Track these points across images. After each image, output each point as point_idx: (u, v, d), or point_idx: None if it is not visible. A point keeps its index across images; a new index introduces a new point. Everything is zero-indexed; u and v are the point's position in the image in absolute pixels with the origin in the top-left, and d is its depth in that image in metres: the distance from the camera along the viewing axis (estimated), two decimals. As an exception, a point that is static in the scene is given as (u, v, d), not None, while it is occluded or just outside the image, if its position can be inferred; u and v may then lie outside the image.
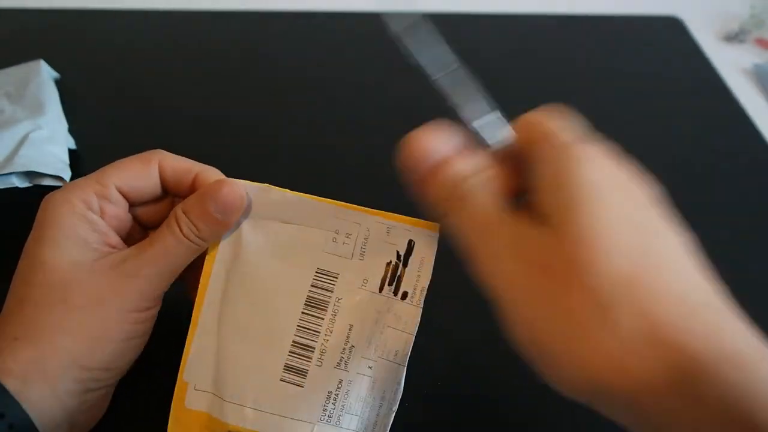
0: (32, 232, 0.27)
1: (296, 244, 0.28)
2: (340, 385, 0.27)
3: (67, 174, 0.40)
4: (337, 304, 0.28)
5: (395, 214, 0.28)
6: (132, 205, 0.29)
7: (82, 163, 0.44)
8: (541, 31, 0.61)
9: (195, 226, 0.27)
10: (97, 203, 0.27)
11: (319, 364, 0.27)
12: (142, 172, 0.28)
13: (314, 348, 0.27)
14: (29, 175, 0.39)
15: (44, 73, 0.48)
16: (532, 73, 0.55)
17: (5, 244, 0.39)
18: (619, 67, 0.56)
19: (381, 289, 0.27)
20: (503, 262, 0.21)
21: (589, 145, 0.24)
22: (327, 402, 0.27)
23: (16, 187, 0.39)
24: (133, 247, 0.27)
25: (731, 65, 0.57)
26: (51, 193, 0.28)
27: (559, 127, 0.25)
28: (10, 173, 0.38)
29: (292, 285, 0.28)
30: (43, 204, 0.27)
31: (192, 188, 0.29)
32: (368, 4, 0.63)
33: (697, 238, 0.40)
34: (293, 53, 0.56)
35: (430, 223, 0.27)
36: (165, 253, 0.27)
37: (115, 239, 0.28)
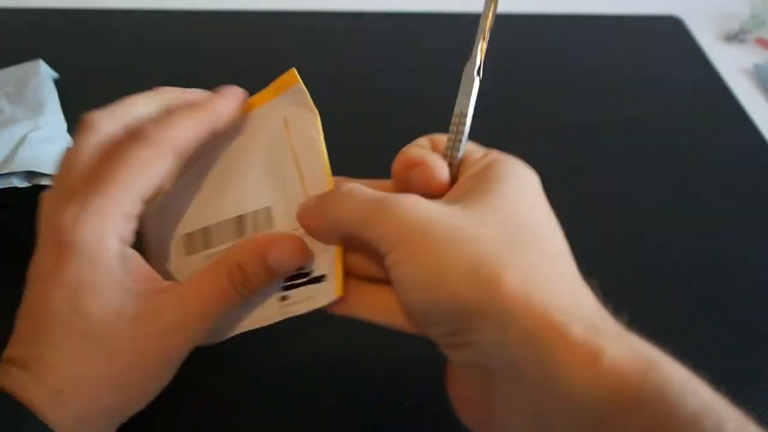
0: (60, 264, 0.23)
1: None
2: None
3: (66, 174, 0.40)
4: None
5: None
6: None
7: (81, 163, 0.44)
8: (541, 31, 0.61)
9: (250, 281, 0.25)
10: (129, 233, 0.25)
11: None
12: (162, 169, 0.25)
13: None
14: (29, 175, 0.39)
15: (43, 73, 0.47)
16: (532, 72, 0.55)
17: (5, 244, 0.39)
18: (619, 67, 0.56)
19: None
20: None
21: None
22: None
23: (16, 187, 0.39)
24: (173, 292, 0.25)
25: (732, 65, 0.57)
26: (75, 223, 0.23)
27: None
28: (10, 173, 0.38)
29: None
30: (70, 237, 0.23)
31: None
32: (368, 4, 0.63)
33: (697, 237, 0.40)
34: (294, 53, 0.56)
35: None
36: (214, 308, 0.25)
37: (145, 267, 0.26)
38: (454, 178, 0.25)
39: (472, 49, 0.26)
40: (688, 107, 0.52)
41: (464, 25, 0.61)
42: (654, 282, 0.37)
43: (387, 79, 0.53)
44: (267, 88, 0.29)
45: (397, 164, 0.26)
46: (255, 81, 0.53)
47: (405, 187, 0.25)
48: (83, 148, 0.26)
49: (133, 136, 0.25)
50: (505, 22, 0.63)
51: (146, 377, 0.24)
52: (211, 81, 0.53)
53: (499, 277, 0.20)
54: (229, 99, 0.28)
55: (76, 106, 0.48)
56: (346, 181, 0.26)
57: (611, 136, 0.48)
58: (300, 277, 0.27)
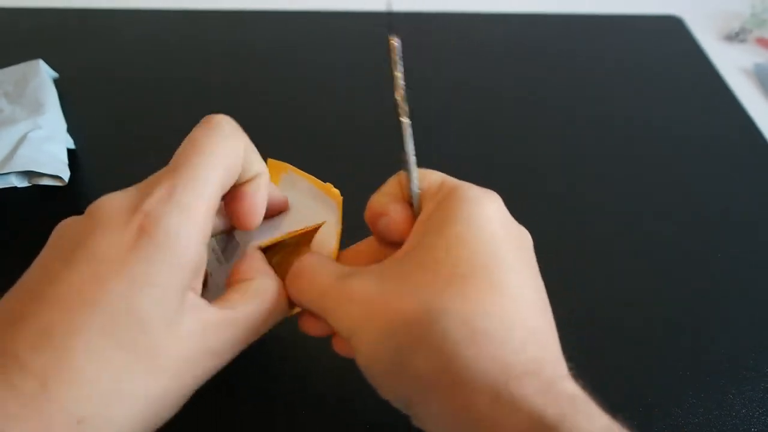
0: (134, 252, 0.20)
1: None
2: None
3: (65, 174, 0.39)
4: None
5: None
6: None
7: (81, 163, 0.44)
8: (542, 30, 0.61)
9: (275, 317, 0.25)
10: (209, 232, 0.22)
11: None
12: (238, 158, 0.24)
13: None
14: (28, 174, 0.39)
15: (43, 73, 0.47)
16: (532, 72, 0.55)
17: (4, 244, 0.39)
18: (619, 66, 0.56)
19: None
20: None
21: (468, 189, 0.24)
22: None
23: (15, 187, 0.39)
24: (218, 310, 0.22)
25: (732, 65, 0.57)
26: (163, 212, 0.20)
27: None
28: (9, 173, 0.38)
29: None
30: (156, 226, 0.20)
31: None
32: (369, 4, 0.63)
33: (696, 237, 0.40)
34: (294, 52, 0.56)
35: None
36: (256, 336, 0.24)
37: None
38: (418, 211, 0.25)
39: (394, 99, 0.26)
40: (688, 107, 0.52)
41: (465, 24, 0.62)
42: (653, 282, 0.37)
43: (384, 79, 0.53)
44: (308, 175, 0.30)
45: (367, 215, 0.26)
46: (255, 81, 0.53)
47: (377, 233, 0.26)
48: None
49: (214, 121, 0.24)
50: (505, 22, 0.63)
51: (181, 396, 0.21)
52: (211, 81, 0.54)
53: (412, 352, 0.20)
54: None
55: (76, 106, 0.48)
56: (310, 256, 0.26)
57: (611, 136, 0.48)
58: None
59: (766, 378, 0.32)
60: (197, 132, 0.23)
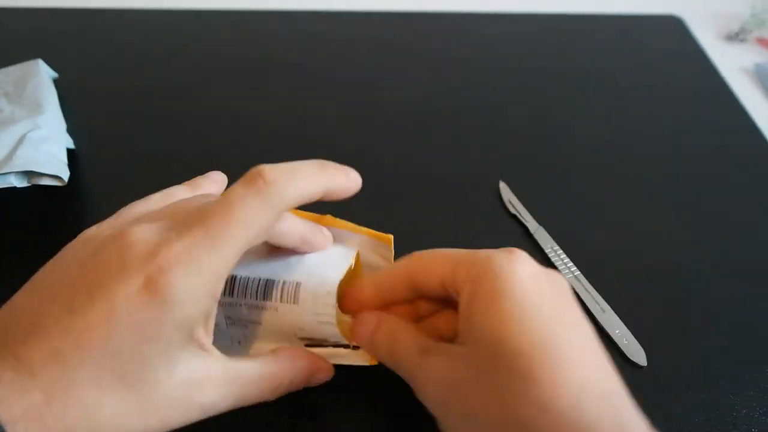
0: (143, 305, 0.21)
1: None
2: None
3: (65, 174, 0.39)
4: None
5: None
6: None
7: (81, 163, 0.44)
8: (542, 30, 0.61)
9: (287, 390, 0.26)
10: (219, 292, 0.23)
11: None
12: (270, 223, 0.24)
13: None
14: (27, 174, 0.39)
15: (43, 73, 0.47)
16: (532, 72, 0.55)
17: (4, 244, 0.39)
18: (619, 66, 0.56)
19: None
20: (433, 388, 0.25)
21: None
22: None
23: (15, 187, 0.39)
24: (219, 373, 0.24)
25: (732, 65, 0.57)
26: (175, 270, 0.21)
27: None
28: (9, 173, 0.38)
29: None
30: (166, 285, 0.21)
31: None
32: (369, 4, 0.63)
33: (697, 237, 0.40)
34: (294, 52, 0.56)
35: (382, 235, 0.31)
36: (247, 402, 0.25)
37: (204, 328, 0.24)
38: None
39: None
40: (688, 107, 0.52)
41: (465, 24, 0.62)
42: (653, 282, 0.37)
43: (385, 79, 0.53)
44: (357, 225, 0.31)
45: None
46: (255, 80, 0.53)
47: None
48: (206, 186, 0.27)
49: (258, 185, 0.23)
50: (505, 22, 0.63)
51: None
52: (211, 81, 0.54)
53: None
54: (350, 175, 0.28)
55: (76, 106, 0.48)
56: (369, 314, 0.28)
57: (611, 136, 0.48)
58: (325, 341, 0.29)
59: (766, 378, 0.32)
60: (237, 192, 0.23)
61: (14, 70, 0.48)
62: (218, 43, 0.57)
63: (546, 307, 0.23)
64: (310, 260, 0.29)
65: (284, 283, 0.28)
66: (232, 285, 0.28)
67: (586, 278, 0.37)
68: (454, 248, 0.27)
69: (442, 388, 0.24)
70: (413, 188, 0.43)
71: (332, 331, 0.28)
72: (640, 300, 0.36)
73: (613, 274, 0.38)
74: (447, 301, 0.27)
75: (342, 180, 0.26)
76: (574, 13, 0.63)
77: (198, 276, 0.21)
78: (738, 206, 0.43)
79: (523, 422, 0.21)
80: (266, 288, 0.28)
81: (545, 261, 0.38)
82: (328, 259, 0.29)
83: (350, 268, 0.29)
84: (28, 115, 0.42)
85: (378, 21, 0.61)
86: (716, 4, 0.66)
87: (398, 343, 0.26)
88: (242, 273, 0.28)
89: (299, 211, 0.30)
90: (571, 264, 0.37)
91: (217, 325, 0.28)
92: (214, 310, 0.23)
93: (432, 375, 0.24)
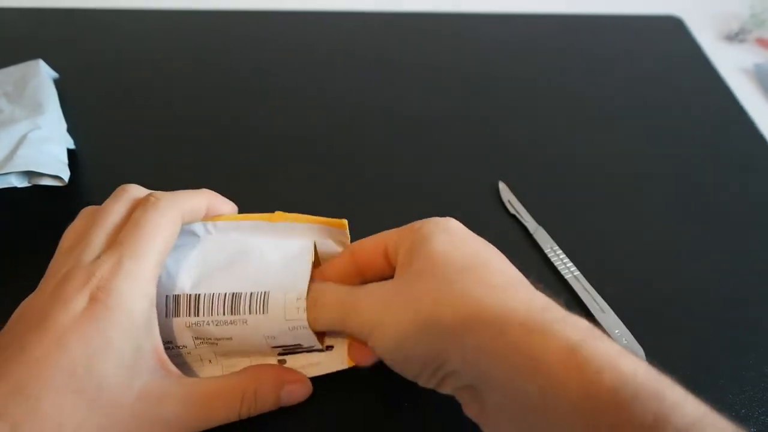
0: (91, 320, 0.23)
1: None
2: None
3: (65, 174, 0.39)
4: None
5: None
6: None
7: (81, 163, 0.44)
8: (542, 31, 0.61)
9: (257, 406, 0.27)
10: (154, 297, 0.26)
11: None
12: (175, 234, 0.28)
13: None
14: (28, 175, 0.39)
15: (43, 73, 0.47)
16: (532, 73, 0.55)
17: (4, 244, 0.39)
18: (619, 67, 0.56)
19: None
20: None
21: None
22: None
23: (15, 187, 0.39)
24: (181, 386, 0.25)
25: (732, 65, 0.57)
26: (113, 281, 0.24)
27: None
28: (9, 173, 0.38)
29: None
30: (108, 295, 0.24)
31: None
32: (370, 4, 0.63)
33: (696, 237, 0.40)
34: (295, 53, 0.56)
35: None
36: (215, 419, 0.26)
37: (158, 340, 0.26)
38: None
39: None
40: (688, 107, 0.52)
41: (465, 24, 0.62)
42: (653, 282, 0.37)
43: (384, 79, 0.53)
44: (309, 215, 0.31)
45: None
46: (254, 81, 0.53)
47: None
48: (115, 209, 0.28)
49: (151, 201, 0.27)
50: (504, 23, 0.63)
51: None
52: (210, 81, 0.54)
53: (441, 313, 0.23)
54: (228, 202, 0.32)
55: (76, 106, 0.48)
56: (318, 282, 0.29)
57: (610, 136, 0.48)
58: (299, 347, 0.29)
59: (765, 378, 0.32)
60: (137, 214, 0.27)
61: (15, 71, 0.48)
62: (219, 43, 0.57)
63: (479, 248, 0.27)
64: (271, 265, 0.29)
65: (251, 294, 0.28)
66: (197, 304, 0.28)
67: (586, 278, 0.37)
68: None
69: (378, 300, 0.26)
70: (413, 188, 0.43)
71: (306, 335, 0.28)
72: (639, 300, 0.36)
73: (612, 273, 0.38)
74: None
75: (219, 200, 0.31)
76: (573, 14, 0.63)
77: (134, 280, 0.24)
78: (737, 206, 0.43)
79: (464, 292, 0.24)
80: (233, 302, 0.28)
81: (544, 261, 0.38)
82: (290, 260, 0.29)
83: (312, 264, 0.29)
84: (29, 115, 0.42)
85: (378, 21, 0.61)
86: (716, 4, 0.66)
87: (328, 292, 0.28)
88: (205, 290, 0.28)
89: (245, 214, 0.31)
90: (570, 264, 0.37)
91: (185, 346, 0.28)
92: (154, 316, 0.25)
93: (365, 297, 0.26)
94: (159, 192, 0.29)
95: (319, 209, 0.32)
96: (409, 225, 0.28)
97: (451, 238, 0.27)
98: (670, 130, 0.49)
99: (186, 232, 0.30)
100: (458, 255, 0.26)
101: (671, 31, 0.62)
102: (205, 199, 0.30)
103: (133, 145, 0.46)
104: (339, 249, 0.31)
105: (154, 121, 0.48)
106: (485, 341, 0.22)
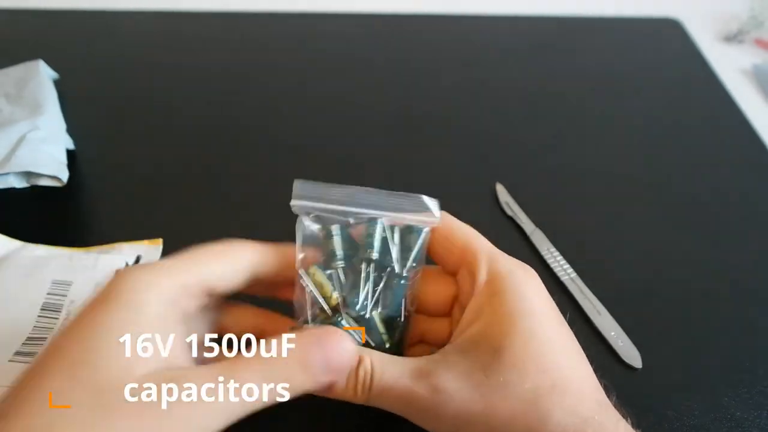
0: (94, 310, 0.22)
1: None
2: None
3: (64, 174, 0.40)
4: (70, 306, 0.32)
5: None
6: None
7: (80, 163, 0.44)
8: (542, 32, 0.61)
9: (285, 389, 0.23)
10: (185, 305, 0.24)
11: None
12: (232, 270, 0.26)
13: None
14: (27, 175, 0.39)
15: (43, 73, 0.47)
16: (532, 73, 0.55)
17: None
18: (618, 68, 0.56)
19: None
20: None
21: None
22: None
23: (14, 188, 0.39)
24: (182, 375, 0.22)
25: (730, 66, 0.57)
26: (125, 272, 0.23)
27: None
28: (8, 173, 0.38)
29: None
30: (113, 282, 0.23)
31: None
32: (370, 4, 0.63)
33: (693, 239, 0.41)
34: (295, 53, 0.57)
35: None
36: (225, 417, 0.22)
37: (181, 344, 0.24)
38: None
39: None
40: (686, 108, 0.52)
41: (465, 25, 0.62)
42: (649, 284, 0.38)
43: (383, 80, 0.54)
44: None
45: None
46: (254, 81, 0.53)
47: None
48: None
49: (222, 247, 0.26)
50: (505, 23, 0.63)
51: None
52: (210, 81, 0.54)
53: None
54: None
55: (76, 106, 0.48)
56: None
57: (608, 138, 0.48)
58: None
59: (761, 381, 0.33)
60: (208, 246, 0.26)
61: (15, 71, 0.48)
62: (219, 44, 0.58)
63: (555, 329, 0.25)
64: None
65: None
66: None
67: (582, 280, 0.37)
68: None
69: (461, 415, 0.23)
70: (412, 189, 0.43)
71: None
72: (635, 302, 0.36)
73: (609, 276, 0.38)
74: None
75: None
76: (572, 16, 0.63)
77: (147, 273, 0.23)
78: (735, 208, 0.43)
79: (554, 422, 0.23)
80: None
81: (541, 263, 0.38)
82: None
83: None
84: (28, 115, 0.42)
85: (378, 22, 0.61)
86: (715, 5, 0.66)
87: (384, 372, 0.24)
88: None
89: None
90: (567, 266, 0.38)
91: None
92: (170, 326, 0.23)
93: (446, 408, 0.24)
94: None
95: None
96: (504, 260, 0.27)
97: (540, 320, 0.25)
98: (668, 132, 0.49)
99: None
100: (547, 359, 0.24)
101: (670, 33, 0.62)
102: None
103: (133, 146, 0.46)
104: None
105: (153, 122, 0.48)
106: None
